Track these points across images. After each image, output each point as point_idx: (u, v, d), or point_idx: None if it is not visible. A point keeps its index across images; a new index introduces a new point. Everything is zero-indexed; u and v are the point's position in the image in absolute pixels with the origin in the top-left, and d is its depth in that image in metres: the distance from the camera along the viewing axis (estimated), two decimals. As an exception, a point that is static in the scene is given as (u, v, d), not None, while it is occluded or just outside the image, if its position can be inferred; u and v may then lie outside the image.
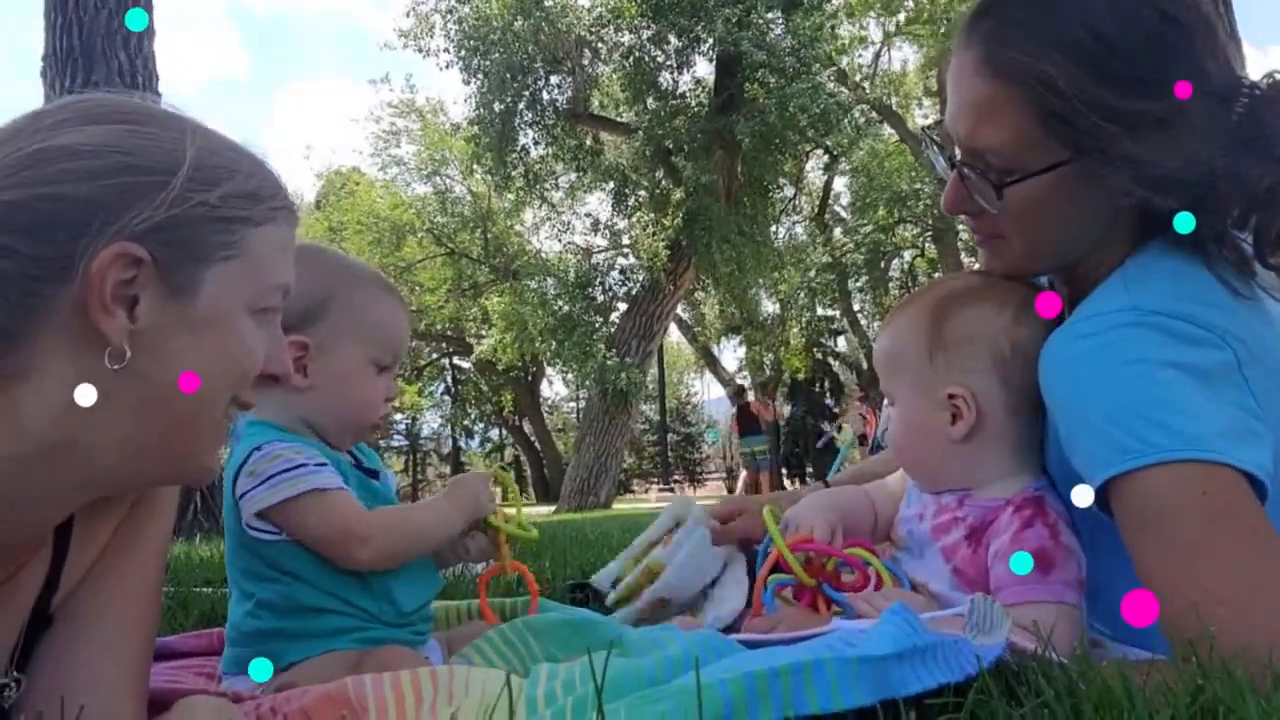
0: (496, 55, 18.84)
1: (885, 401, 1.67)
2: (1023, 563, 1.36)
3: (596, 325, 20.19)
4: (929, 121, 27.84)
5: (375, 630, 1.55)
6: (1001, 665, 1.06)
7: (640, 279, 20.08)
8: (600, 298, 21.18)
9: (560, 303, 20.51)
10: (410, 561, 1.59)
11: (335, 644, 1.51)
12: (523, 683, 1.16)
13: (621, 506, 19.14)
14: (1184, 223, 1.32)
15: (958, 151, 1.47)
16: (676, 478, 42.98)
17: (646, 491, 40.57)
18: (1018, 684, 1.04)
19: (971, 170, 1.44)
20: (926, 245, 29.95)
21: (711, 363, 37.67)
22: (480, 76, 19.20)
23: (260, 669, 1.45)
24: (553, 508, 19.58)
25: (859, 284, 32.36)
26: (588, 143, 20.46)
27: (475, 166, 22.03)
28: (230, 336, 1.05)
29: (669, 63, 19.51)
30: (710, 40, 18.54)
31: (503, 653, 1.62)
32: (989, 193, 1.42)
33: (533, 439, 37.47)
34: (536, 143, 20.31)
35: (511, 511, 1.77)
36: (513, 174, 20.30)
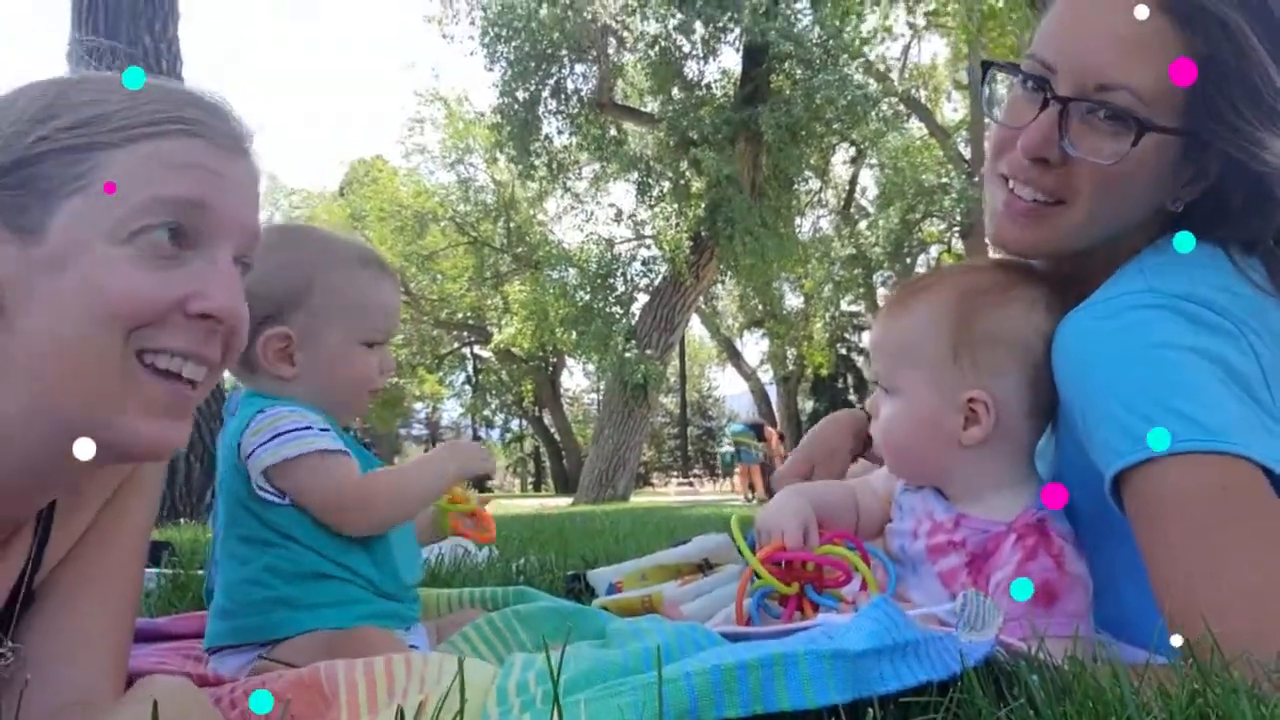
0: (520, 42, 18.82)
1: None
2: (1022, 589, 1.28)
3: (617, 316, 20.16)
4: (959, 115, 27.63)
5: (377, 603, 1.54)
6: (992, 664, 1.02)
7: (662, 270, 20.04)
8: (621, 288, 21.14)
9: (581, 293, 20.49)
10: (401, 523, 1.62)
11: (340, 615, 1.50)
12: (496, 671, 1.13)
13: (640, 500, 19.15)
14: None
15: (1057, 86, 1.33)
16: (696, 471, 42.99)
17: (666, 485, 40.68)
18: (1008, 684, 1.00)
19: (1091, 109, 1.30)
20: (953, 240, 29.72)
21: (734, 356, 37.62)
22: (504, 64, 19.20)
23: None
24: (571, 499, 19.62)
25: (884, 279, 32.15)
26: (611, 132, 20.42)
27: (499, 155, 22.03)
28: (86, 268, 0.95)
29: (695, 52, 19.46)
30: (737, 30, 18.48)
31: (490, 641, 1.60)
32: (1105, 142, 1.30)
33: (552, 430, 37.58)
34: (560, 132, 20.33)
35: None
36: (536, 163, 20.30)
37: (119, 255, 0.96)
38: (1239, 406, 1.19)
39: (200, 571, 2.76)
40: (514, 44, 18.97)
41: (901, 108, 24.67)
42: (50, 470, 1.03)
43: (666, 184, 20.40)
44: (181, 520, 6.62)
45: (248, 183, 1.08)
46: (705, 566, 2.00)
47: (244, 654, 1.51)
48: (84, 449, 0.96)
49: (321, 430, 1.51)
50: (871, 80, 21.13)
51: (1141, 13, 1.26)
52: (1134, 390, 1.21)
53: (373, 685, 1.15)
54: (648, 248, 21.58)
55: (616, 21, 19.71)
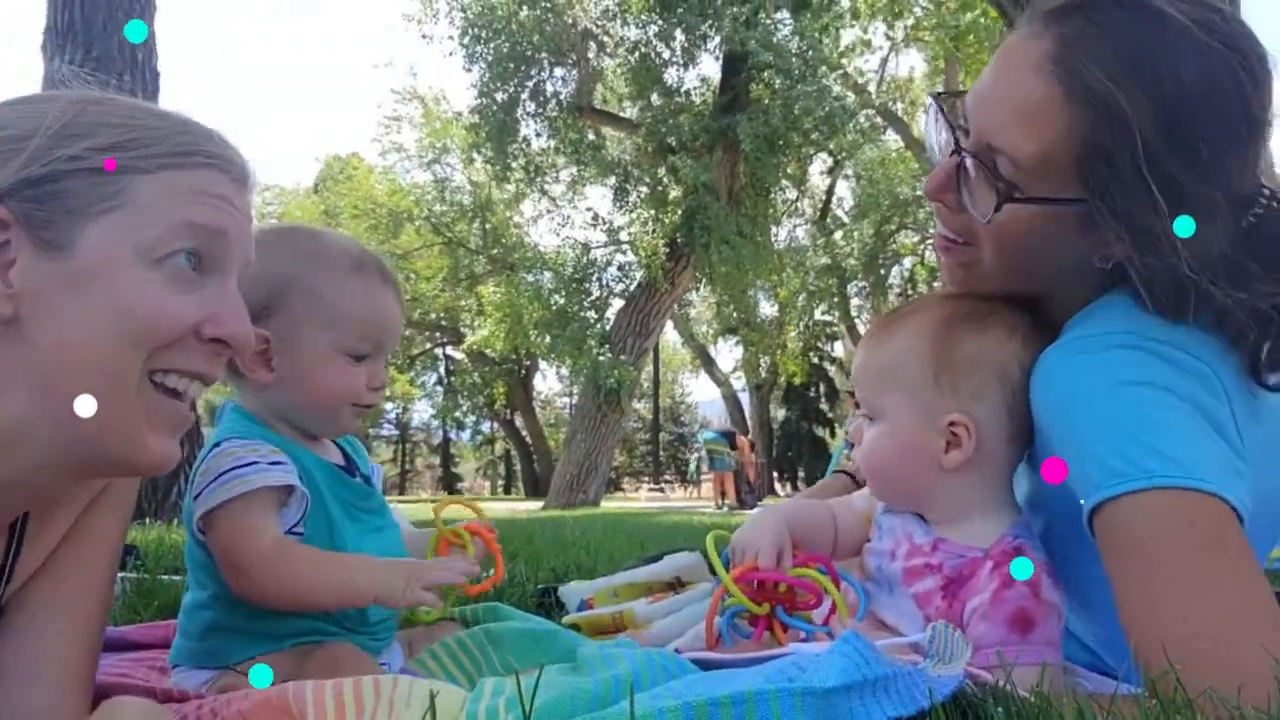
0: (500, 44, 18.80)
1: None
2: (1022, 569, 1.31)
3: (591, 321, 20.16)
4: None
5: (338, 636, 1.49)
6: (959, 698, 1.03)
7: (638, 276, 20.06)
8: (596, 293, 21.14)
9: (556, 297, 20.46)
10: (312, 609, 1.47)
11: (291, 644, 1.46)
12: (466, 696, 1.13)
13: (610, 505, 19.13)
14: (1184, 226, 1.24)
15: (968, 136, 1.36)
16: (667, 477, 43.02)
17: (637, 490, 40.68)
18: (975, 718, 1.01)
19: (978, 166, 1.33)
20: (927, 253, 29.95)
21: (707, 363, 37.69)
22: (483, 65, 19.16)
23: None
24: (541, 503, 19.56)
25: (858, 290, 32.33)
26: (589, 137, 20.42)
27: (475, 156, 21.99)
28: (118, 287, 0.98)
29: (674, 59, 19.51)
30: (717, 38, 18.56)
31: (460, 661, 1.59)
32: (986, 200, 1.33)
33: (524, 433, 37.47)
34: (538, 134, 20.33)
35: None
36: (513, 165, 20.29)
37: (150, 277, 1.00)
38: (1212, 446, 1.21)
39: (165, 576, 2.73)
40: (493, 45, 18.95)
41: (878, 120, 24.85)
42: (42, 480, 1.04)
43: (644, 190, 20.44)
44: (147, 520, 6.53)
45: (249, 213, 1.12)
46: (676, 584, 2.01)
47: (209, 668, 1.50)
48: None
49: (271, 464, 1.44)
50: (849, 92, 21.27)
51: (1035, 81, 1.27)
52: (1111, 426, 1.22)
53: (341, 708, 1.14)
54: (624, 253, 21.61)
55: (597, 26, 19.74)
